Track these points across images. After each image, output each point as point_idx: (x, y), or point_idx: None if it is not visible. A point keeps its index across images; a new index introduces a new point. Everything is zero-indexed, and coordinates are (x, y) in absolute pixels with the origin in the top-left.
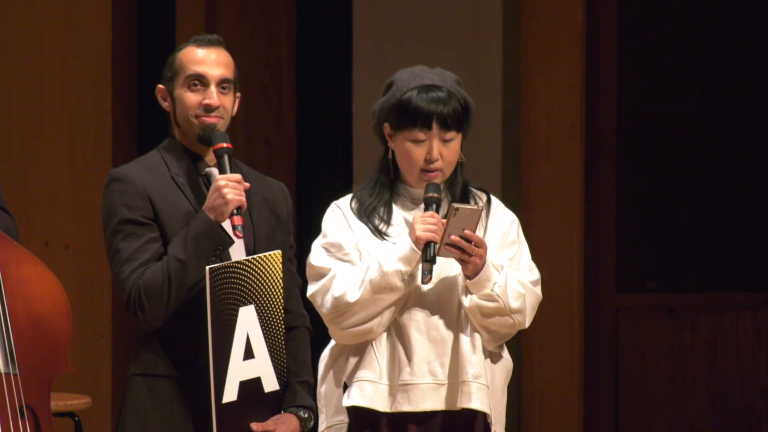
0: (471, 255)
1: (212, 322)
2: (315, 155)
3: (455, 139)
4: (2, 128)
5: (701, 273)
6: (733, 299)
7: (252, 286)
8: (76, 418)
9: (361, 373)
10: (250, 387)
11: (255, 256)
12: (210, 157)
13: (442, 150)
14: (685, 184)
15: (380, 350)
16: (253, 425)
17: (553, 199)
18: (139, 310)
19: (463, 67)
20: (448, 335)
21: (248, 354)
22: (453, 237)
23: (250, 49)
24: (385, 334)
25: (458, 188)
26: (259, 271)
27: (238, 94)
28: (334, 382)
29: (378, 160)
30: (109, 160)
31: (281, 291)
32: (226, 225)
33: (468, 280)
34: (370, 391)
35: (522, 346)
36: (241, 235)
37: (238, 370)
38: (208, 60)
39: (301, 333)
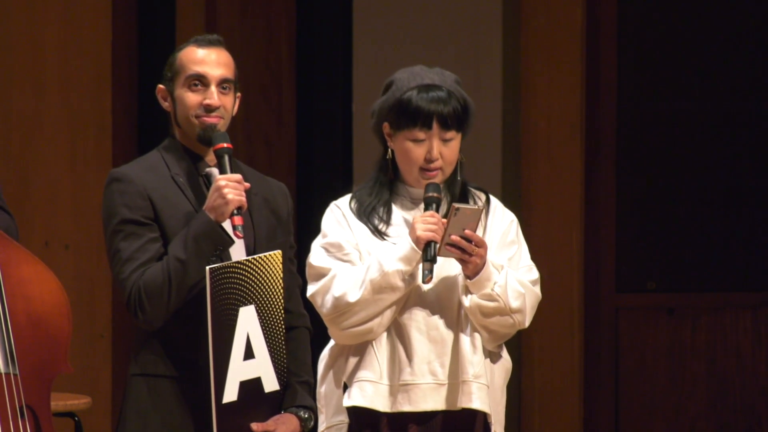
0: (471, 255)
1: (212, 322)
2: (315, 155)
3: (455, 139)
4: (2, 128)
5: (701, 273)
6: (733, 299)
7: (252, 286)
8: (76, 418)
9: (362, 374)
10: (251, 387)
11: (255, 256)
12: (210, 157)
13: (442, 149)
14: (685, 184)
15: (380, 350)
16: (254, 425)
17: (553, 199)
18: (140, 310)
19: (463, 67)
20: (449, 335)
21: (248, 354)
22: (453, 237)
23: (250, 49)
24: (385, 334)
25: (457, 188)
26: (259, 271)
27: (239, 94)
28: (333, 382)
29: (377, 160)
30: (109, 160)
31: (281, 291)
32: (227, 225)
33: (468, 280)
34: (370, 391)
35: (522, 346)
36: (241, 235)
37: (239, 370)
38: (209, 60)
39: (301, 333)
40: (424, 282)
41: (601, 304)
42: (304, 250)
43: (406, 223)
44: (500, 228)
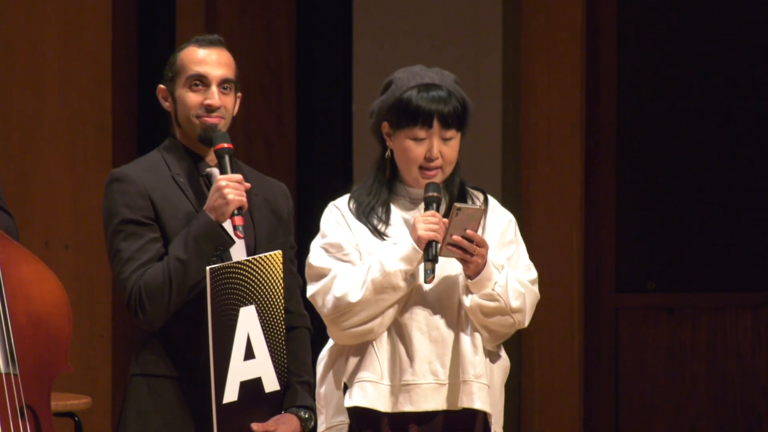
0: (473, 255)
1: (213, 322)
2: (315, 155)
3: (455, 138)
4: (2, 128)
5: (701, 273)
6: (733, 299)
7: (253, 287)
8: (76, 418)
9: (362, 374)
10: (251, 387)
11: (256, 257)
12: (211, 158)
13: (442, 148)
14: (685, 183)
15: (381, 350)
16: (254, 425)
17: (553, 199)
18: (140, 310)
19: (463, 67)
20: (449, 335)
21: (249, 354)
22: (455, 237)
23: (250, 49)
24: (385, 334)
25: (456, 188)
26: (259, 272)
27: (239, 94)
28: (333, 382)
29: (375, 159)
30: (109, 160)
31: (282, 291)
32: (227, 225)
33: (469, 280)
34: (371, 391)
35: (522, 346)
36: (241, 235)
37: (239, 371)
38: (210, 60)
39: (301, 333)
40: (426, 282)
41: (601, 304)
42: (304, 251)
43: (406, 223)
44: (499, 227)
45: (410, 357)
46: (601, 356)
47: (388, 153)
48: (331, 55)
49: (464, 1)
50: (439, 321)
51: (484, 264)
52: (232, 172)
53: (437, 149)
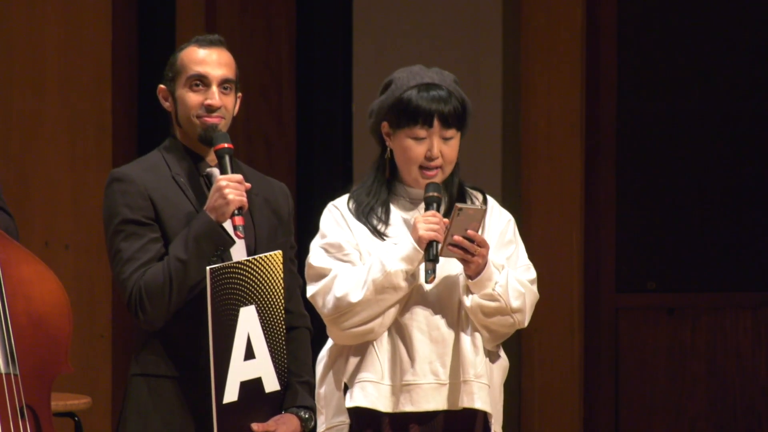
0: (474, 255)
1: (213, 322)
2: (315, 155)
3: (455, 138)
4: (2, 128)
5: (701, 273)
6: (733, 299)
7: (253, 287)
8: (76, 418)
9: (363, 374)
10: (251, 387)
11: (256, 257)
12: (211, 158)
13: (443, 147)
14: (685, 184)
15: (381, 350)
16: (254, 425)
17: (553, 199)
18: (140, 310)
19: (463, 67)
20: (450, 335)
21: (249, 354)
22: (456, 237)
23: (250, 49)
24: (386, 335)
25: (455, 188)
26: (259, 272)
27: (240, 94)
28: (333, 383)
29: (374, 159)
30: (109, 160)
31: (282, 291)
32: (227, 225)
33: (470, 280)
34: (372, 391)
35: (522, 346)
36: (242, 235)
37: (239, 371)
38: (210, 60)
39: (301, 333)
40: (427, 282)
41: (601, 304)
42: (303, 251)
43: (405, 223)
44: (498, 227)
45: (411, 357)
46: (601, 356)
47: (387, 153)
48: (331, 55)
49: (464, 1)
50: (439, 321)
51: (485, 264)
52: (233, 172)
53: (437, 148)
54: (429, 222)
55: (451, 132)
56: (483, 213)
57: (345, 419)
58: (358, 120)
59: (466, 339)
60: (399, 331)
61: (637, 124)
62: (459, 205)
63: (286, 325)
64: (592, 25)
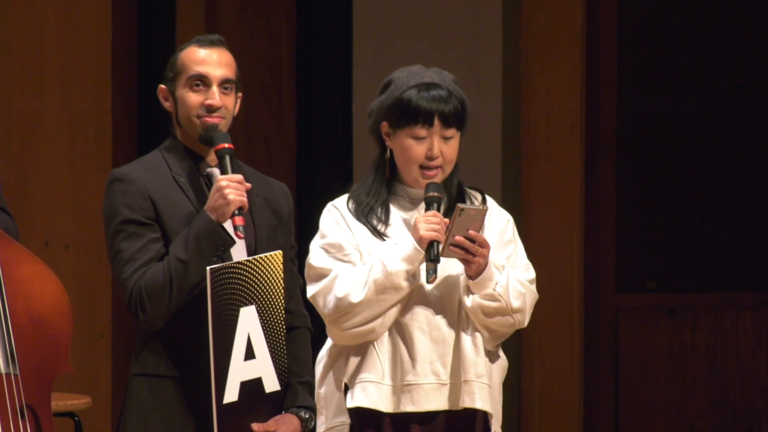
0: (475, 255)
1: (213, 322)
2: (315, 155)
3: (455, 137)
4: (2, 128)
5: (701, 273)
6: (733, 299)
7: (253, 287)
8: (76, 418)
9: (364, 374)
10: (251, 387)
11: (256, 257)
12: (211, 158)
13: (443, 147)
14: (685, 183)
15: (382, 351)
16: (254, 426)
17: (553, 199)
18: (141, 310)
19: (463, 67)
20: (450, 335)
21: (249, 354)
22: (457, 237)
23: (250, 49)
24: (386, 335)
25: (454, 188)
26: (260, 272)
27: (240, 94)
28: (334, 383)
29: (374, 159)
30: (109, 160)
31: (282, 291)
32: (228, 225)
33: (470, 280)
34: (373, 391)
35: (522, 346)
36: (242, 235)
37: (239, 371)
38: (210, 60)
39: (302, 333)
40: (428, 282)
41: (601, 304)
42: (303, 251)
43: (405, 223)
44: (497, 227)
45: (412, 357)
46: (601, 356)
47: (387, 153)
48: (331, 55)
49: (464, 1)
50: (440, 321)
51: (486, 264)
52: (233, 172)
53: (438, 148)
54: (430, 222)
55: (452, 131)
56: (484, 213)
57: (345, 419)
58: (358, 120)
59: (466, 339)
60: (400, 331)
61: (637, 124)
62: (461, 205)
63: (286, 325)
64: (592, 25)
